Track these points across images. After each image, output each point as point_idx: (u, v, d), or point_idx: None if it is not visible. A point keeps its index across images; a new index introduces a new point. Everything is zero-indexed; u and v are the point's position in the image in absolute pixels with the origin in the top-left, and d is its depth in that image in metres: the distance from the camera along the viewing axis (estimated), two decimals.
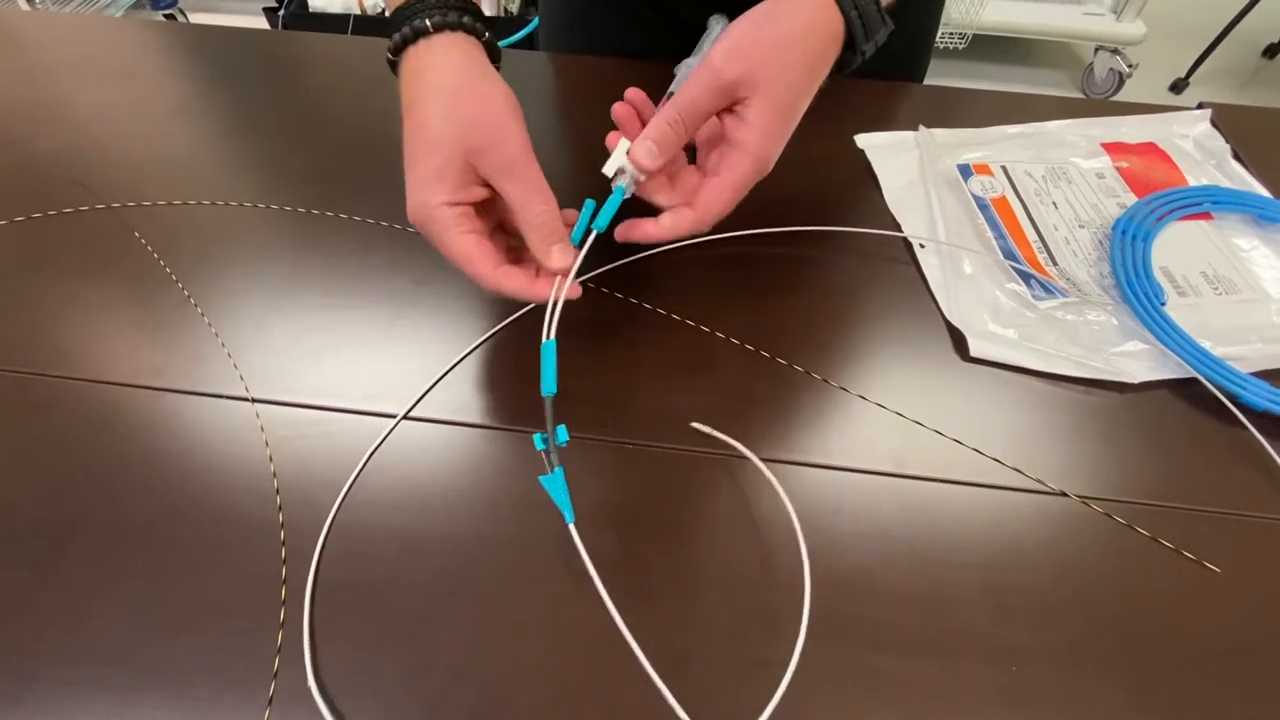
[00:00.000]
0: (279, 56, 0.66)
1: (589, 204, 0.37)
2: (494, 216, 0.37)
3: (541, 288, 0.35)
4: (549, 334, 0.33)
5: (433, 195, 0.34)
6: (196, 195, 0.50)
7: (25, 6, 1.82)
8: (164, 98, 0.59)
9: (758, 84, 0.35)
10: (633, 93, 0.39)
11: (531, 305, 0.41)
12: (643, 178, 0.37)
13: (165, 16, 2.00)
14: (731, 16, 0.40)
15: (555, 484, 0.31)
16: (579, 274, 0.36)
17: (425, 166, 0.34)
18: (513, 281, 0.35)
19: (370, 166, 0.53)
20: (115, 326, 0.42)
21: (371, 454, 0.37)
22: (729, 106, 0.36)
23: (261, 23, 1.79)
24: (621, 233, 0.38)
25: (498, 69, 0.37)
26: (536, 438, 0.32)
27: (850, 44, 0.38)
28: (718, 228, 0.38)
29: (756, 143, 0.35)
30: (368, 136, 0.56)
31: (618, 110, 0.39)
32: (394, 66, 0.37)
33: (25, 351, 0.41)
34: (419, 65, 0.35)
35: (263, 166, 0.54)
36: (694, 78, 0.35)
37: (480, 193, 0.35)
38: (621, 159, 0.36)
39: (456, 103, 0.34)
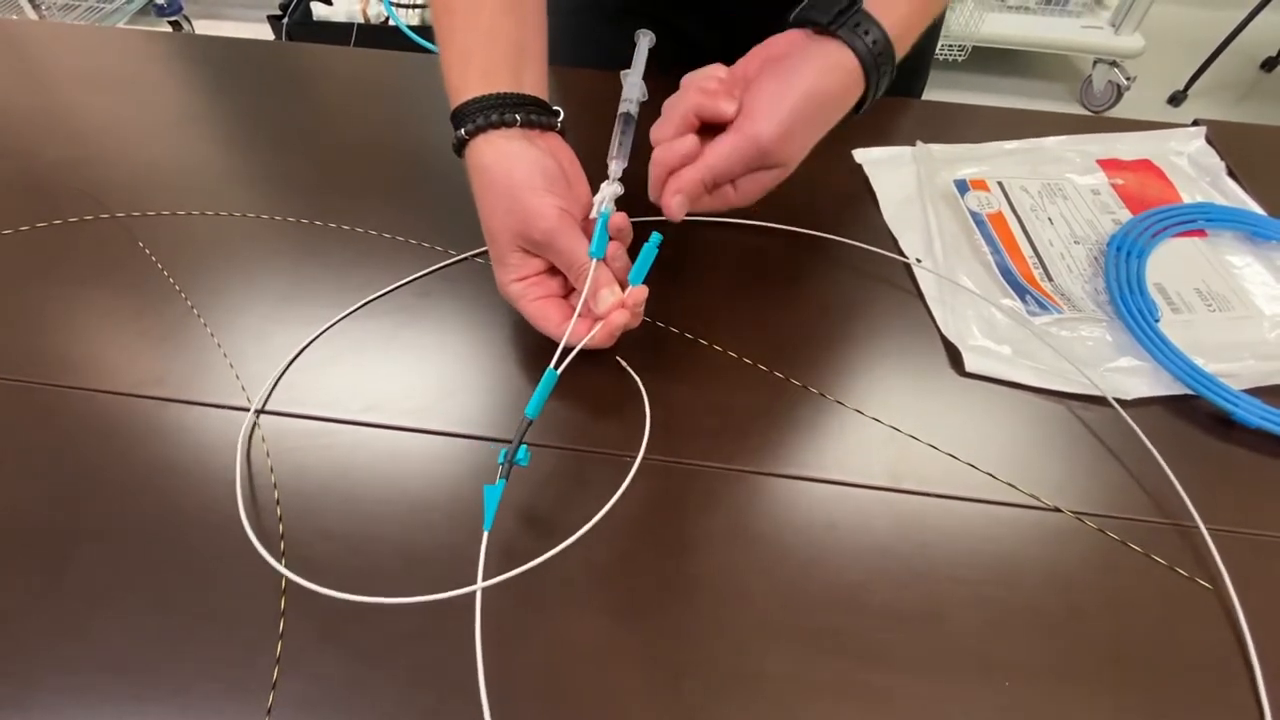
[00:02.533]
0: (283, 68, 0.66)
1: (604, 216, 0.39)
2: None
3: (600, 335, 0.39)
4: (557, 364, 0.36)
5: (502, 276, 0.40)
6: (200, 205, 0.51)
7: (32, 16, 1.83)
8: (169, 108, 0.60)
9: (770, 67, 0.40)
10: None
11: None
12: (618, 193, 0.41)
13: (170, 24, 2.02)
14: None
15: (493, 494, 0.33)
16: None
17: (491, 254, 0.41)
18: (575, 331, 0.39)
19: (373, 178, 0.53)
20: (119, 336, 0.43)
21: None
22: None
23: (265, 30, 1.81)
24: (668, 196, 0.40)
25: (557, 127, 0.42)
26: (501, 452, 0.34)
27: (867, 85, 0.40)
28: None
29: (743, 117, 0.38)
30: (370, 148, 0.56)
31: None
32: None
33: (29, 360, 0.41)
34: (469, 167, 0.40)
35: (266, 177, 0.54)
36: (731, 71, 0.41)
37: (540, 263, 0.40)
38: (599, 196, 0.41)
39: (493, 198, 0.39)
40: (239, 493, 0.35)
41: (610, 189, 0.40)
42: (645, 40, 0.49)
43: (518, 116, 0.39)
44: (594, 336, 0.38)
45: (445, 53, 0.42)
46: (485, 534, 0.32)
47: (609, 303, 0.38)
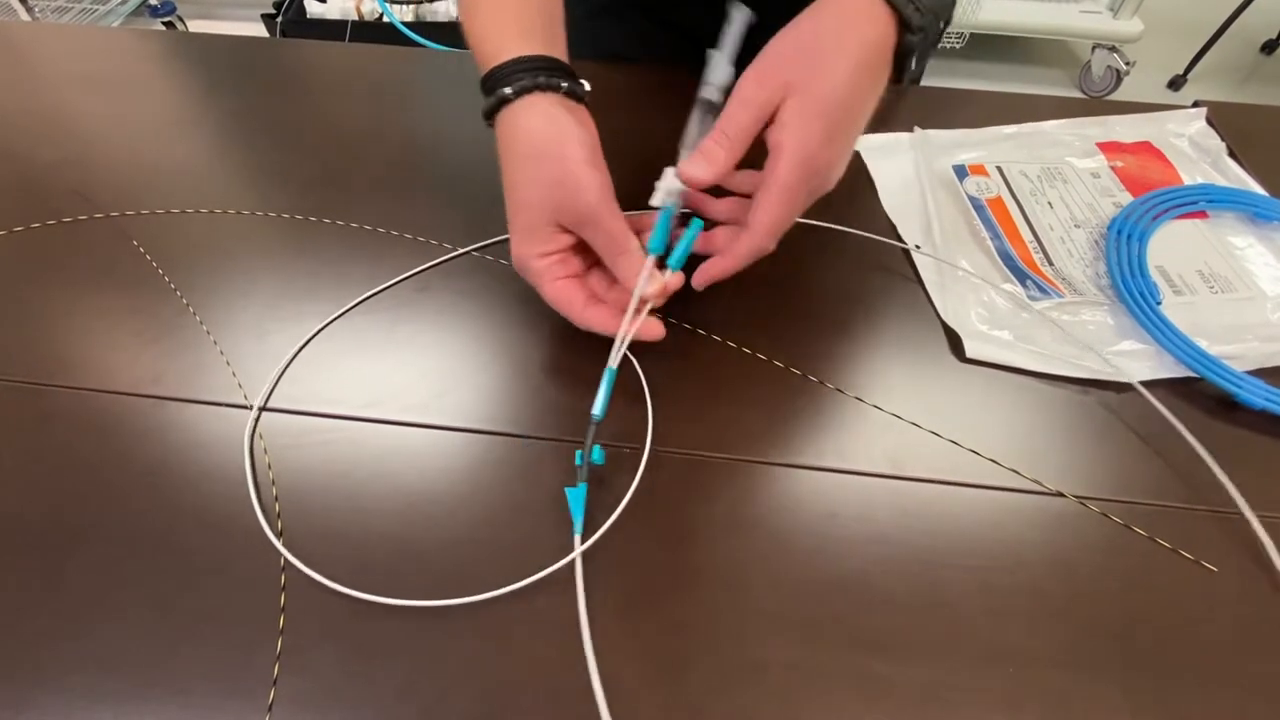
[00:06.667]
0: (277, 64, 0.66)
1: (667, 212, 0.38)
2: (591, 254, 0.39)
3: (646, 326, 0.38)
4: (615, 361, 0.36)
5: (527, 249, 0.38)
6: (195, 204, 0.50)
7: (25, 17, 1.83)
8: (162, 107, 0.60)
9: (788, 87, 0.35)
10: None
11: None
12: (683, 188, 0.38)
13: (164, 24, 2.01)
14: (722, 18, 0.40)
15: (577, 497, 0.33)
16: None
17: (518, 224, 0.38)
18: (599, 319, 0.38)
19: (368, 173, 0.53)
20: (115, 336, 0.43)
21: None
22: (772, 118, 0.36)
23: (259, 29, 1.80)
24: (699, 279, 0.39)
25: (586, 100, 0.40)
26: (578, 454, 0.34)
27: (906, 25, 0.36)
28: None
29: (793, 143, 0.35)
30: (365, 143, 0.56)
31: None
32: (491, 126, 0.39)
33: (25, 361, 0.41)
34: (507, 131, 0.38)
35: (261, 174, 0.54)
36: (733, 94, 0.36)
37: (569, 240, 0.38)
38: (667, 184, 0.38)
39: (537, 165, 0.37)
40: (252, 490, 0.35)
41: (674, 183, 0.38)
42: (742, 17, 0.42)
43: (563, 83, 0.38)
44: (640, 328, 0.37)
45: (476, 20, 0.40)
46: (577, 537, 0.32)
47: (652, 289, 0.37)
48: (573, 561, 0.33)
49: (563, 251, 0.38)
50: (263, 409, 0.39)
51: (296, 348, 0.42)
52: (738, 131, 0.36)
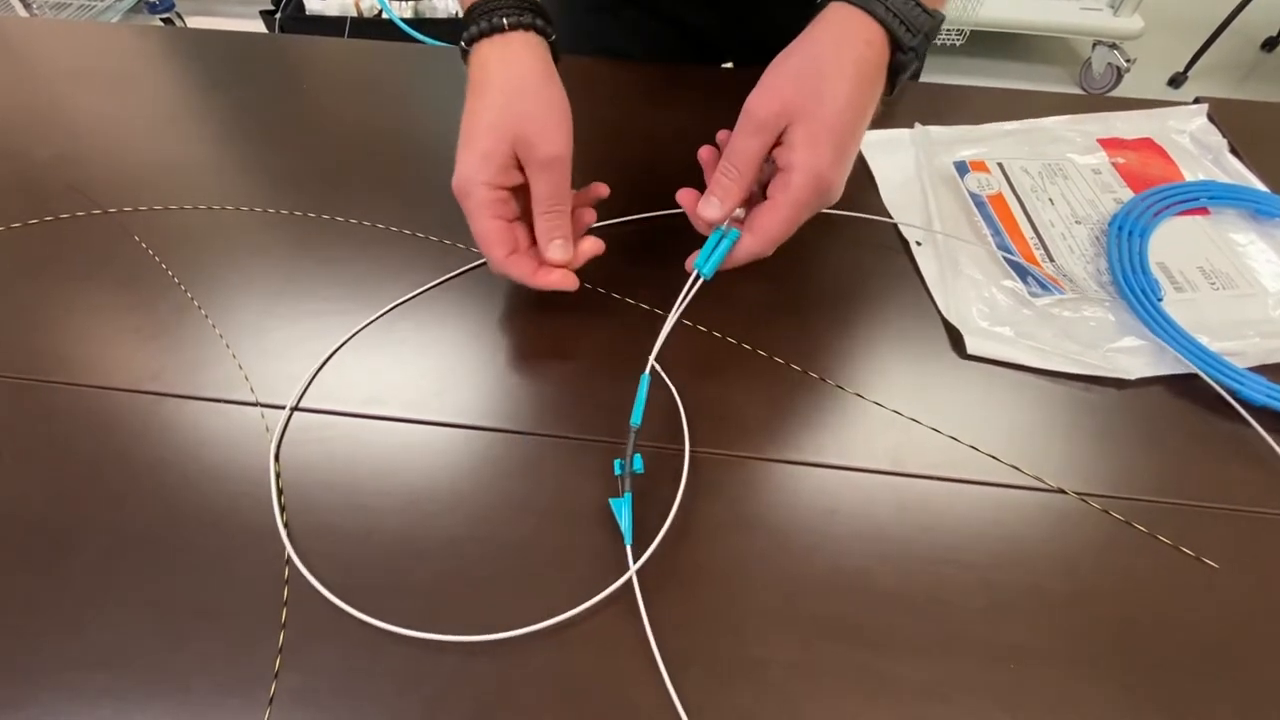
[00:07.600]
0: (276, 60, 0.66)
1: (718, 232, 0.39)
2: (526, 202, 0.40)
3: (541, 277, 0.39)
4: (650, 368, 0.36)
5: (477, 173, 0.37)
6: (194, 200, 0.50)
7: (23, 13, 1.82)
8: (161, 103, 0.60)
9: (795, 112, 0.36)
10: (722, 135, 0.41)
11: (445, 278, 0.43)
12: (741, 216, 0.39)
13: (162, 20, 2.00)
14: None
15: (622, 507, 0.33)
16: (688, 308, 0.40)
17: (477, 147, 0.37)
18: (517, 268, 0.39)
19: (368, 169, 0.53)
20: (113, 331, 0.43)
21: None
22: (778, 141, 0.37)
23: (258, 26, 1.80)
24: (691, 266, 0.40)
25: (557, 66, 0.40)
26: (616, 463, 0.35)
27: (898, 45, 0.37)
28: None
29: (803, 162, 0.36)
30: (365, 139, 0.56)
31: (703, 154, 0.41)
32: (465, 55, 0.40)
33: (24, 358, 0.41)
34: (490, 56, 0.38)
35: (260, 170, 0.54)
36: (738, 123, 0.37)
37: (517, 178, 0.38)
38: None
39: (518, 96, 0.37)
40: (272, 489, 0.35)
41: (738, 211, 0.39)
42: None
43: (554, 36, 0.39)
44: (550, 279, 0.39)
45: None
46: (629, 547, 0.32)
47: (559, 256, 0.39)
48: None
49: (505, 191, 0.38)
50: (294, 409, 0.39)
51: (314, 348, 0.41)
52: (745, 164, 0.37)
